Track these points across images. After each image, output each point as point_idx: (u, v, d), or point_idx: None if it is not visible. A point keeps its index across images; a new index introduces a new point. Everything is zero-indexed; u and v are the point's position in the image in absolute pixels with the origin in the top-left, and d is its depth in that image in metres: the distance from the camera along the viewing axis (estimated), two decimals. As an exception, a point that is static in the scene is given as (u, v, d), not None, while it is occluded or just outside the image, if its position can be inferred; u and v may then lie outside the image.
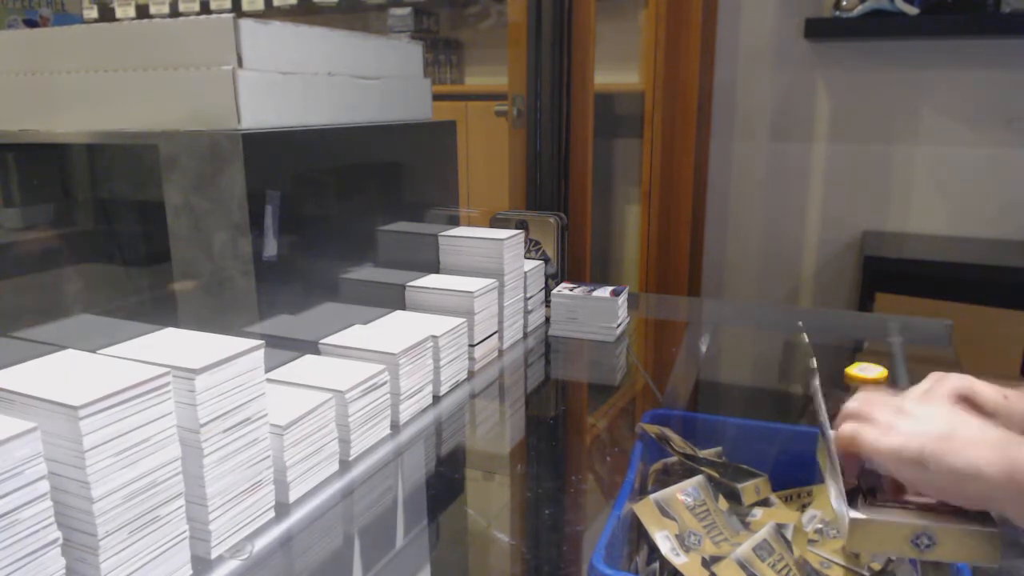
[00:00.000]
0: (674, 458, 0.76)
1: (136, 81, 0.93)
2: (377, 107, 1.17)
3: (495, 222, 1.43)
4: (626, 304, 1.36)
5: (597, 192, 2.21)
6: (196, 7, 2.81)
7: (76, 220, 1.17)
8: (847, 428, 0.58)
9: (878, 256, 2.05)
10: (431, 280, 1.17)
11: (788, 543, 0.66)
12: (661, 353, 1.35)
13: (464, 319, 1.09)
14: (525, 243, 1.38)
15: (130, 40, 0.94)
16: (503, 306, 1.21)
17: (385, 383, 0.90)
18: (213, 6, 2.78)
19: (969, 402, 0.59)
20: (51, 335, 0.74)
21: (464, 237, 1.23)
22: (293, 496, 0.77)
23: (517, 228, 1.38)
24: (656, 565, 0.66)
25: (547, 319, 1.35)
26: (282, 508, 0.76)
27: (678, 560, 0.65)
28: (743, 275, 2.49)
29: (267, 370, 0.73)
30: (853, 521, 0.54)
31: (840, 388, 1.13)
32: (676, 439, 0.75)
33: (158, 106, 0.93)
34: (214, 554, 0.68)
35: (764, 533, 0.66)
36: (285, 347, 0.94)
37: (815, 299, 1.39)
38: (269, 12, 2.70)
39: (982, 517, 0.53)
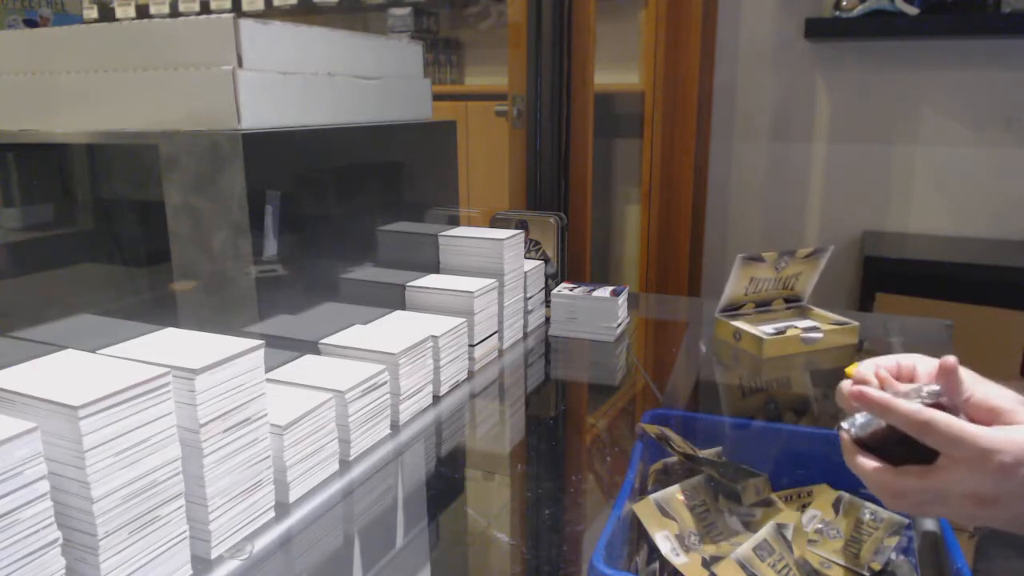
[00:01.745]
0: (674, 458, 0.76)
1: (136, 81, 0.93)
2: (377, 107, 1.17)
3: (495, 222, 1.43)
4: (626, 304, 1.36)
5: (597, 192, 2.21)
6: (196, 7, 2.81)
7: (76, 220, 1.17)
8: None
9: (878, 256, 2.05)
10: (431, 280, 1.17)
11: (788, 543, 0.66)
12: (661, 353, 1.35)
13: (464, 319, 1.09)
14: (525, 243, 1.38)
15: (130, 40, 0.94)
16: (503, 306, 1.21)
17: (385, 383, 0.90)
18: (213, 6, 2.78)
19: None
20: (51, 335, 0.74)
21: (464, 237, 1.23)
22: (293, 496, 0.78)
23: (517, 228, 1.38)
24: (656, 565, 0.66)
25: (547, 319, 1.35)
26: (282, 508, 0.76)
27: (678, 560, 0.65)
28: (743, 275, 2.49)
29: (267, 370, 0.73)
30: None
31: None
32: (676, 439, 0.75)
33: (158, 106, 0.93)
34: (214, 554, 0.68)
35: (764, 533, 0.66)
36: (285, 347, 0.94)
37: (815, 299, 1.39)
38: (269, 12, 2.70)
39: None
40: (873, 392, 0.55)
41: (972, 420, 0.53)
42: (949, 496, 0.53)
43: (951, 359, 0.55)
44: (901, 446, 0.55)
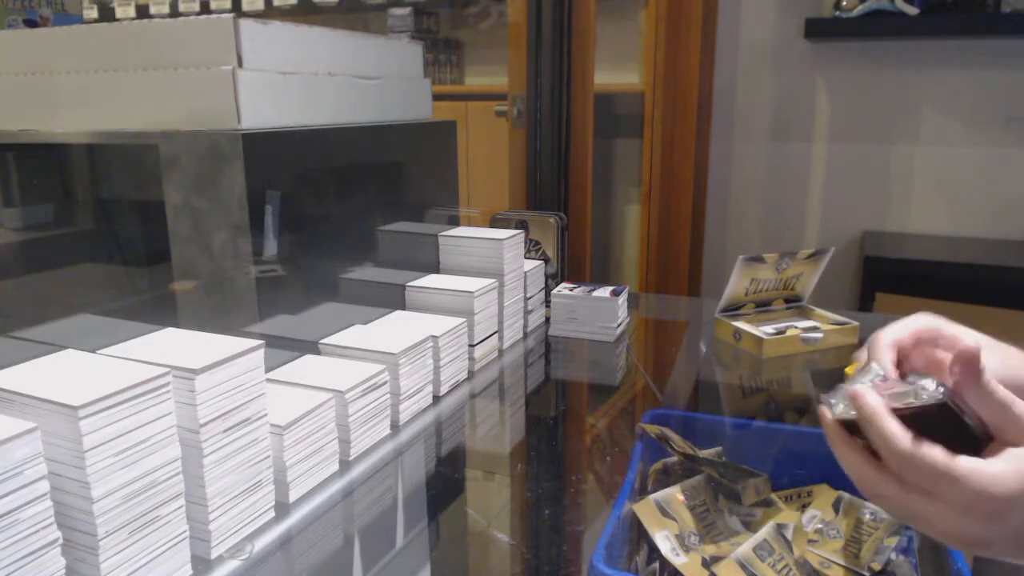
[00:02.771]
0: (674, 458, 0.76)
1: (136, 81, 0.93)
2: (377, 107, 1.17)
3: (495, 222, 1.43)
4: (626, 304, 1.36)
5: (597, 192, 2.21)
6: (196, 7, 2.81)
7: (76, 220, 1.17)
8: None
9: (878, 256, 2.05)
10: (431, 280, 1.17)
11: (788, 543, 0.66)
12: (661, 353, 1.35)
13: (464, 319, 1.09)
14: (525, 243, 1.38)
15: (130, 40, 0.94)
16: (503, 306, 1.21)
17: (385, 383, 0.90)
18: (213, 6, 2.78)
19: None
20: (51, 335, 0.74)
21: (464, 237, 1.23)
22: (293, 496, 0.78)
23: (517, 228, 1.38)
24: (656, 565, 0.66)
25: (547, 319, 1.35)
26: (282, 508, 0.76)
27: (678, 560, 0.65)
28: (743, 275, 2.49)
29: (267, 370, 0.73)
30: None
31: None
32: (676, 439, 0.75)
33: (158, 106, 0.93)
34: (214, 554, 0.68)
35: (764, 533, 0.66)
36: (285, 347, 0.94)
37: (815, 299, 1.39)
38: (269, 12, 2.70)
39: None
40: (868, 397, 0.48)
41: (980, 420, 0.47)
42: (929, 526, 0.47)
43: (972, 348, 0.47)
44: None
